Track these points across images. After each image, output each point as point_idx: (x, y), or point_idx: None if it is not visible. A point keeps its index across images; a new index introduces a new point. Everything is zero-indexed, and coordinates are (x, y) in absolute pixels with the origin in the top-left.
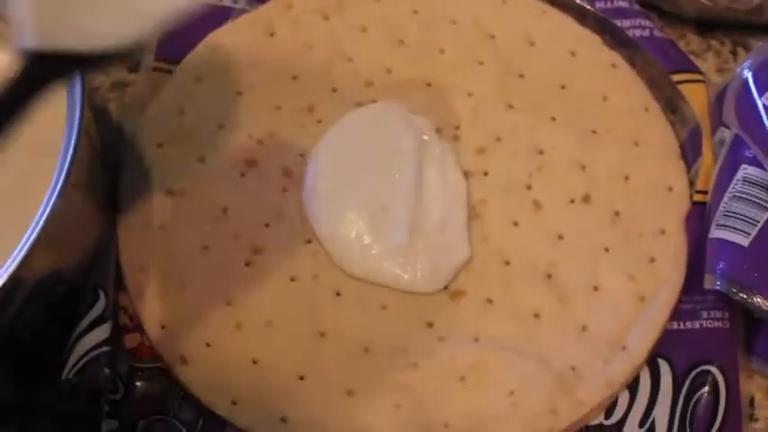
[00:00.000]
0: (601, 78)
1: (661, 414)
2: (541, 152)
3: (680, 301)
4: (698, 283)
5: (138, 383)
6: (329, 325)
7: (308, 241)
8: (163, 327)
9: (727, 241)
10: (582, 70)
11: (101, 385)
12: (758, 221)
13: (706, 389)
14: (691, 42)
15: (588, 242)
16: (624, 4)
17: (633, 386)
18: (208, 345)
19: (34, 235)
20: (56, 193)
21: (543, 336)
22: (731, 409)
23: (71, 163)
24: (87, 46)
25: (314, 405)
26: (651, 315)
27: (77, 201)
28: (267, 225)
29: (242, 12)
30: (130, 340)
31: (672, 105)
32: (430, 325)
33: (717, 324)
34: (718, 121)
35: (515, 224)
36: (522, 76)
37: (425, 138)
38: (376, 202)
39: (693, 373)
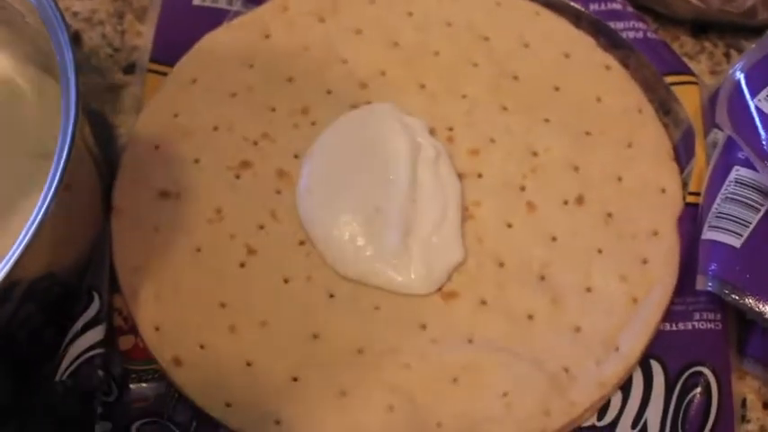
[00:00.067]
0: (594, 80)
1: (653, 415)
2: (535, 153)
3: (673, 302)
4: (690, 284)
5: (132, 385)
6: (323, 326)
7: (302, 243)
8: (157, 328)
9: (719, 243)
10: (576, 72)
11: (95, 387)
12: (750, 223)
13: (698, 390)
14: (684, 44)
15: (581, 243)
16: (618, 7)
17: (626, 387)
18: (202, 346)
19: (28, 236)
20: (50, 194)
21: (537, 337)
22: (723, 410)
23: (65, 165)
24: None
25: (308, 406)
26: (644, 316)
27: (72, 203)
28: (261, 226)
29: (237, 14)
30: (125, 342)
31: (665, 107)
32: (423, 326)
33: (709, 325)
34: (711, 123)
35: (509, 225)
36: (516, 77)
37: (419, 139)
38: (370, 204)
39: (686, 374)
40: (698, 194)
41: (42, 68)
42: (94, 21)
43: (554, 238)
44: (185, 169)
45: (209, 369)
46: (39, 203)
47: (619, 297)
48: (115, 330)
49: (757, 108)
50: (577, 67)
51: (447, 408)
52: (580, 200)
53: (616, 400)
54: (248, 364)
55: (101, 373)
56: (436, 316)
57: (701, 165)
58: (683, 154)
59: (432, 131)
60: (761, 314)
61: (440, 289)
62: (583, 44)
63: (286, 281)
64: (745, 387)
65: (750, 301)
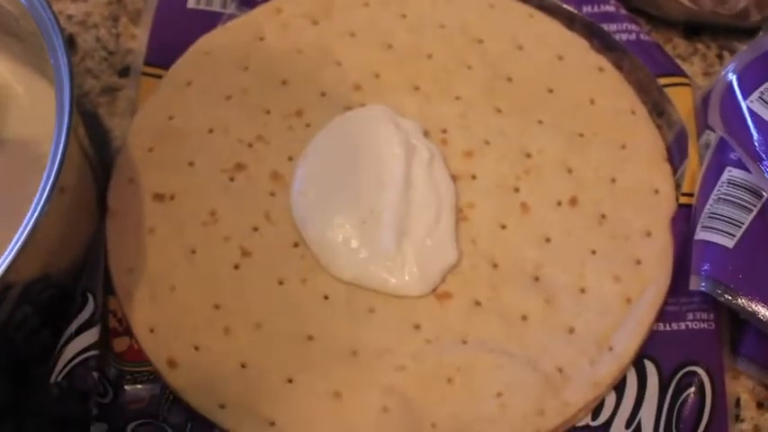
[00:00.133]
0: (588, 82)
1: (647, 415)
2: (529, 155)
3: (666, 302)
4: (684, 284)
5: (126, 387)
6: (317, 328)
7: (296, 245)
8: (151, 330)
9: (712, 243)
10: (569, 74)
11: (89, 389)
12: (743, 223)
13: (692, 390)
14: (677, 46)
15: (575, 244)
16: (611, 9)
17: (620, 387)
18: (196, 348)
19: (23, 239)
20: (44, 197)
21: (531, 337)
22: (717, 409)
23: (59, 167)
24: None
25: (302, 408)
26: (638, 316)
27: (66, 205)
28: (256, 228)
29: (231, 16)
30: (119, 344)
31: (658, 109)
32: (418, 327)
33: (703, 325)
34: (703, 125)
35: (503, 227)
36: (509, 79)
37: (414, 141)
38: (364, 206)
39: (680, 373)
40: (691, 195)
41: (36, 71)
42: (89, 24)
43: (548, 239)
44: (180, 171)
45: (203, 371)
46: (33, 206)
47: (612, 297)
48: (110, 332)
49: (749, 109)
50: (571, 69)
51: (441, 408)
52: (574, 201)
53: (610, 400)
54: (243, 366)
55: (95, 374)
56: (430, 317)
57: (694, 166)
58: (676, 155)
59: (426, 133)
60: (753, 314)
61: (434, 290)
62: (576, 46)
63: (280, 283)
64: (739, 386)
65: (743, 300)
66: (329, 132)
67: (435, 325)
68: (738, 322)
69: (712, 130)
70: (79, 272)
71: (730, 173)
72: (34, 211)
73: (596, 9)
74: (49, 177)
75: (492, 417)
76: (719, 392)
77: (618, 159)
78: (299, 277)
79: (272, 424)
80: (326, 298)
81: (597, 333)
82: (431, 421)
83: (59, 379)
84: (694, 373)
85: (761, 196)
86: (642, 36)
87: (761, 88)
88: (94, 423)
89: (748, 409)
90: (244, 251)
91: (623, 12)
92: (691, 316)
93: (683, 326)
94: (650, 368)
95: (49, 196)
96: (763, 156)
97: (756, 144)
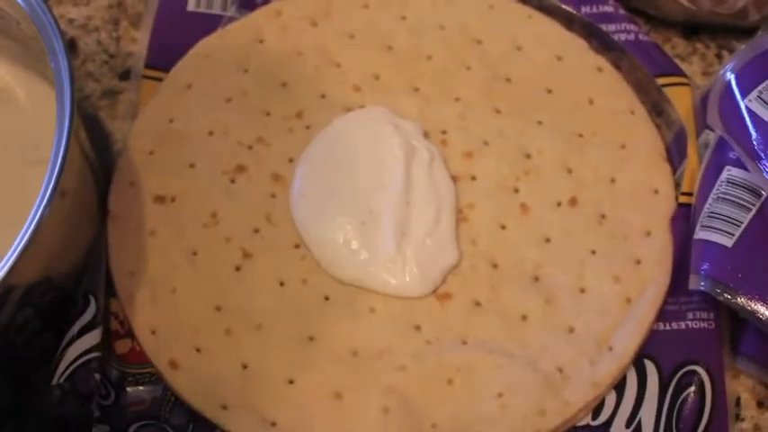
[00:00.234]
0: (587, 82)
1: (647, 414)
2: (528, 156)
3: (666, 301)
4: (683, 283)
5: (128, 389)
6: (318, 329)
7: (297, 246)
8: (153, 332)
9: (711, 242)
10: (568, 74)
11: (91, 391)
12: (742, 222)
13: (692, 389)
14: (676, 46)
15: (575, 244)
16: (610, 9)
17: (620, 387)
18: (198, 350)
19: (24, 242)
20: (45, 200)
21: (531, 338)
22: (717, 408)
23: (60, 171)
24: None
25: (303, 409)
26: (637, 316)
27: (67, 208)
28: (256, 230)
29: (231, 19)
30: (121, 346)
31: (657, 108)
32: (418, 328)
33: (702, 324)
34: (702, 124)
35: (503, 227)
36: (508, 80)
37: (413, 142)
38: (364, 207)
39: (680, 373)
40: (690, 195)
41: (37, 74)
42: (90, 27)
43: (547, 240)
44: (181, 174)
45: (205, 372)
46: (34, 209)
47: (612, 297)
48: (111, 334)
49: (748, 108)
50: (570, 70)
51: (442, 409)
52: (573, 201)
53: (610, 400)
54: (244, 367)
55: (97, 376)
56: (431, 318)
57: (694, 165)
58: (675, 155)
59: (425, 134)
60: (753, 313)
61: (434, 291)
62: (575, 47)
63: (281, 284)
64: (739, 386)
65: (742, 299)
66: (329, 134)
67: (435, 325)
68: (738, 321)
69: (711, 130)
70: (80, 275)
71: (729, 172)
72: (35, 215)
73: (595, 9)
74: (50, 181)
75: (492, 417)
76: (719, 392)
77: (617, 159)
78: (299, 278)
79: (274, 424)
80: (327, 299)
81: (597, 333)
82: (431, 422)
83: (61, 381)
84: (694, 372)
85: (760, 195)
86: (641, 36)
87: (759, 87)
88: (96, 425)
89: (748, 409)
90: (245, 253)
91: (622, 12)
92: (690, 315)
93: (682, 325)
94: (650, 368)
95: (50, 199)
96: (762, 155)
97: (755, 143)
